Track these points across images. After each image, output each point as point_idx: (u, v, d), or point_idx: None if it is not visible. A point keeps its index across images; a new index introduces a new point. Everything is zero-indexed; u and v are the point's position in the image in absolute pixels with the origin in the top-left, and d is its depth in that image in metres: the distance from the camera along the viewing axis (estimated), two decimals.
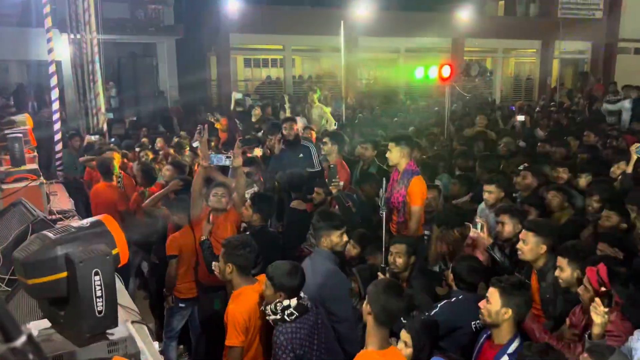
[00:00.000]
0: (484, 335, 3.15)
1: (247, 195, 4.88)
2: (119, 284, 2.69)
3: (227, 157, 4.47)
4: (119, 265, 1.96)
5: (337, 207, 5.17)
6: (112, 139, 8.38)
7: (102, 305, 1.84)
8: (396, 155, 4.95)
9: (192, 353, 5.17)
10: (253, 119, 10.15)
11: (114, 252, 1.91)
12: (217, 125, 9.59)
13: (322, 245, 3.85)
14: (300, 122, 10.08)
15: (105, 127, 9.52)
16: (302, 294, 3.29)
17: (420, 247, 4.60)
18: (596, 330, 2.85)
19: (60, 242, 1.81)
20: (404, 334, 3.11)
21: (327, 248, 3.84)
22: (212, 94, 17.33)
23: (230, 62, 16.85)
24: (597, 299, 2.89)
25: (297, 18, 16.10)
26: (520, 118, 10.45)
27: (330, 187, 5.11)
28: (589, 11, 20.32)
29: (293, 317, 3.19)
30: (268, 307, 3.24)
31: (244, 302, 3.40)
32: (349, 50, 14.33)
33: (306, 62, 20.49)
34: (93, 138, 8.38)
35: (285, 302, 3.20)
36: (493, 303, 2.96)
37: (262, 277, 3.58)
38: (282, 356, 3.15)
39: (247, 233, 4.52)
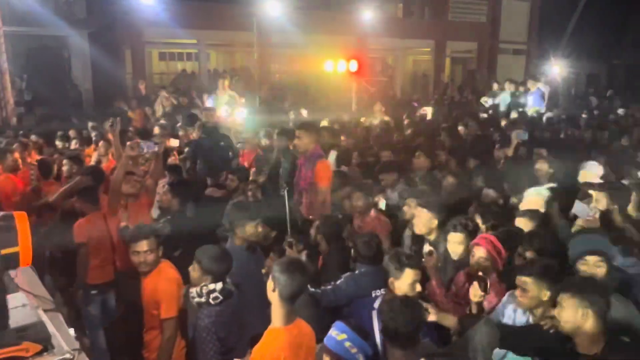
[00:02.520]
0: (374, 304, 3.19)
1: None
2: (32, 274, 2.53)
3: (156, 144, 4.61)
4: (22, 266, 1.82)
5: (250, 194, 5.14)
6: (21, 131, 7.79)
7: None
8: (305, 141, 5.02)
9: (106, 339, 4.92)
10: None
11: (7, 251, 1.74)
12: (131, 115, 9.36)
13: (237, 236, 3.79)
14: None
15: (14, 120, 8.82)
16: (227, 279, 3.24)
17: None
18: (473, 309, 3.11)
19: None
20: None
21: (242, 239, 3.79)
22: (127, 87, 16.52)
23: (145, 55, 16.14)
24: (475, 283, 3.11)
25: (211, 13, 15.68)
26: (426, 110, 11.11)
27: (259, 177, 5.09)
28: (475, 15, 21.49)
29: (217, 300, 3.14)
30: (194, 290, 3.17)
31: (168, 275, 3.49)
32: (262, 45, 14.20)
33: (220, 56, 20.08)
34: None
35: (211, 286, 3.14)
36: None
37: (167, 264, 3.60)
38: (207, 338, 3.09)
39: (168, 217, 4.46)
